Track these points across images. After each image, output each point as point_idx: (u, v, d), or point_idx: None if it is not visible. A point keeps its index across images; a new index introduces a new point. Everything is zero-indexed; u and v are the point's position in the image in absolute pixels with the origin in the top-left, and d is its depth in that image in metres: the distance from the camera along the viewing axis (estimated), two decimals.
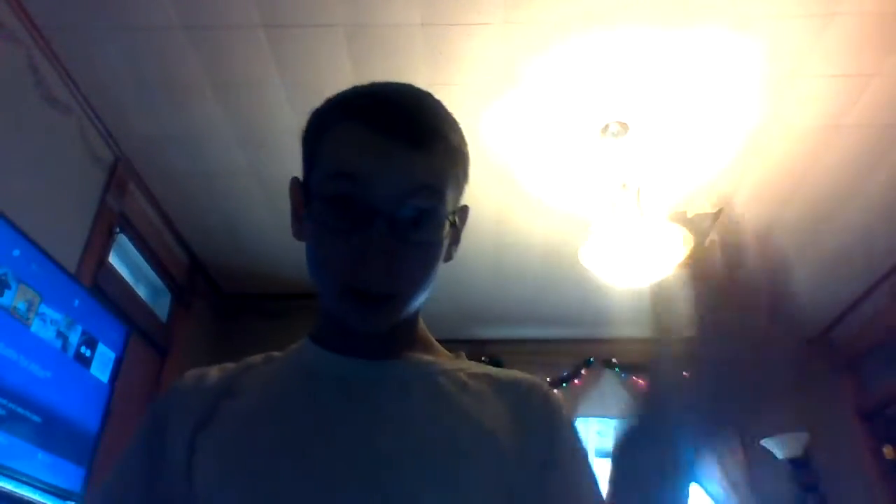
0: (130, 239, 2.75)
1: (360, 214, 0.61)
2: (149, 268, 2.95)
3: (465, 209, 0.73)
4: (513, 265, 3.27)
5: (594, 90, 2.26)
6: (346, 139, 0.64)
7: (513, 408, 0.68)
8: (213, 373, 0.73)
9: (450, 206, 0.67)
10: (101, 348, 2.37)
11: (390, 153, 0.62)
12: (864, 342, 3.59)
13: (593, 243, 2.39)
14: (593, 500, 0.67)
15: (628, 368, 3.87)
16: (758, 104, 2.31)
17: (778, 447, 3.45)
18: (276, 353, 0.77)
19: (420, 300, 0.68)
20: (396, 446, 0.61)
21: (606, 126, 2.39)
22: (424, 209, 0.64)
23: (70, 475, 2.18)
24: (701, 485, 3.58)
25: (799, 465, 3.42)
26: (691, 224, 2.82)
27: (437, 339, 0.79)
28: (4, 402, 1.87)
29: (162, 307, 3.07)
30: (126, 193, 2.63)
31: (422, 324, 0.77)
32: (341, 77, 2.20)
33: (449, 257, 0.72)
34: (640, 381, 3.86)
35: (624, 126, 2.38)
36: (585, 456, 0.70)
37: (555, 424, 0.69)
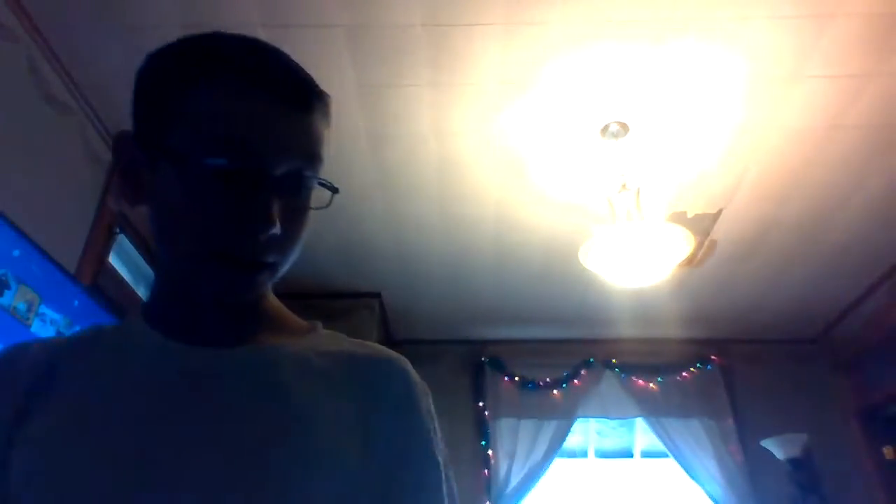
0: (130, 239, 2.75)
1: (245, 180, 0.58)
2: (148, 268, 2.94)
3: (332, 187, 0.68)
4: (513, 265, 3.27)
5: (594, 91, 2.26)
6: (226, 98, 0.59)
7: (364, 393, 0.63)
8: (35, 351, 0.66)
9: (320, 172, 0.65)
10: None
11: (278, 118, 0.60)
12: (864, 342, 3.59)
13: (593, 243, 2.39)
14: None
15: (628, 369, 3.88)
16: (757, 105, 2.31)
17: (778, 447, 3.46)
18: (105, 327, 0.70)
19: (284, 271, 0.66)
20: (236, 441, 0.57)
21: (606, 126, 2.39)
22: (309, 177, 0.62)
23: None
24: (701, 484, 3.58)
25: (799, 465, 3.43)
26: (691, 224, 2.83)
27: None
28: None
29: None
30: None
31: (271, 297, 0.72)
32: (342, 77, 2.20)
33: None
34: (640, 381, 3.87)
35: (624, 126, 2.38)
36: (437, 462, 0.64)
37: (411, 417, 0.64)
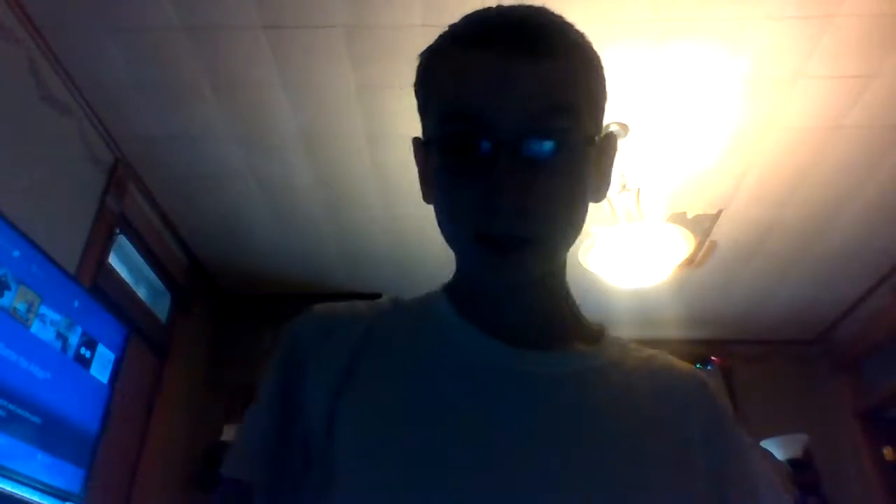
0: (130, 240, 2.75)
1: (483, 152, 0.53)
2: (148, 269, 2.94)
3: (611, 136, 0.63)
4: None
5: None
6: (455, 70, 0.56)
7: (676, 419, 0.60)
8: (345, 317, 0.64)
9: (589, 129, 0.57)
10: (101, 349, 2.37)
11: (507, 72, 0.53)
12: (865, 343, 3.59)
13: (593, 244, 2.39)
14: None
15: None
16: (757, 105, 2.31)
17: (778, 448, 3.45)
18: (403, 300, 0.67)
19: (565, 246, 0.59)
20: (563, 458, 0.54)
21: (606, 127, 2.39)
22: (556, 130, 0.54)
23: (69, 476, 2.17)
24: None
25: (799, 466, 3.42)
26: (691, 225, 2.83)
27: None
28: (4, 403, 1.87)
29: (162, 308, 3.07)
30: (126, 194, 2.63)
31: (570, 299, 0.66)
32: (341, 78, 2.20)
33: (599, 196, 0.62)
34: None
35: (624, 127, 2.38)
36: (759, 458, 0.64)
37: (731, 433, 0.62)
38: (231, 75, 2.23)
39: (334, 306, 0.66)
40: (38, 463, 2.02)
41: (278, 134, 2.47)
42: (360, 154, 2.55)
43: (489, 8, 0.59)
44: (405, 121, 2.35)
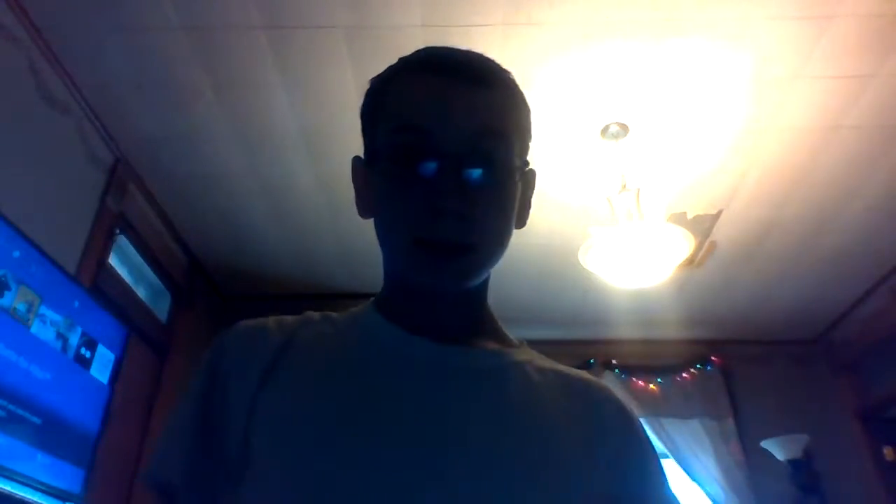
0: (130, 240, 2.75)
1: (427, 162, 0.59)
2: (148, 269, 2.94)
3: (532, 172, 0.69)
4: (513, 266, 3.26)
5: (594, 91, 2.26)
6: (405, 91, 0.63)
7: (587, 414, 0.64)
8: (271, 325, 0.67)
9: (517, 155, 0.63)
10: (101, 349, 2.37)
11: (451, 95, 0.60)
12: (864, 343, 3.59)
13: (593, 244, 2.39)
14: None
15: (628, 370, 3.87)
16: (757, 106, 2.31)
17: (778, 448, 3.45)
18: (333, 314, 0.70)
19: (495, 258, 0.64)
20: (485, 442, 0.57)
21: (606, 127, 2.39)
22: (491, 150, 0.60)
23: (69, 476, 2.18)
24: (701, 485, 3.58)
25: (799, 466, 3.42)
26: (691, 225, 2.83)
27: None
28: (4, 403, 1.87)
29: (161, 308, 3.07)
30: (126, 194, 2.63)
31: (488, 308, 0.72)
32: (341, 78, 2.20)
33: (521, 223, 0.69)
34: (640, 382, 3.87)
35: (624, 127, 2.38)
36: (661, 466, 0.67)
37: (632, 438, 0.66)
38: (231, 75, 2.23)
39: (261, 320, 0.69)
40: (38, 463, 2.02)
41: (278, 134, 2.47)
42: (359, 154, 2.54)
43: (438, 46, 0.66)
44: None
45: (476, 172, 0.59)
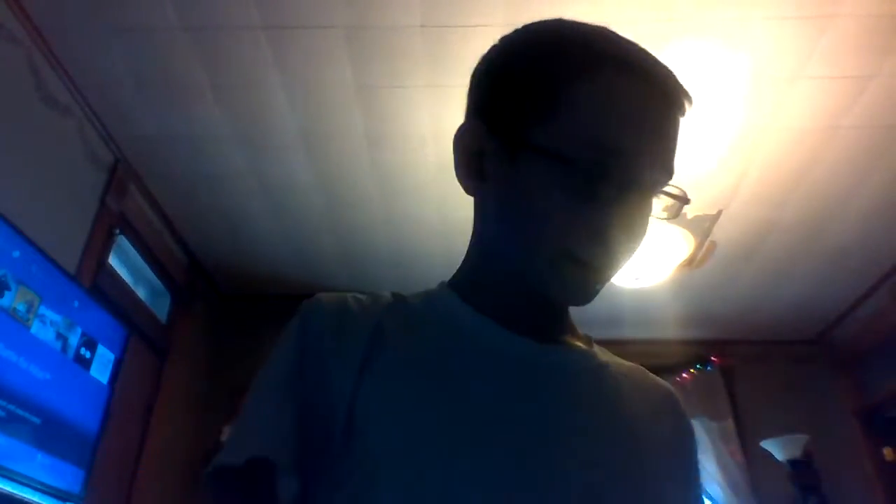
0: (130, 240, 2.75)
1: (614, 185, 0.55)
2: (148, 269, 2.94)
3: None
4: None
5: None
6: (605, 96, 0.56)
7: (667, 418, 0.67)
8: (354, 306, 0.64)
9: None
10: (101, 350, 2.37)
11: (652, 116, 0.57)
12: (864, 343, 3.59)
13: None
14: None
15: None
16: (756, 106, 2.31)
17: (778, 448, 3.45)
18: (403, 295, 0.67)
19: None
20: (594, 447, 0.58)
21: None
22: (661, 186, 0.59)
23: (69, 477, 2.18)
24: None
25: (799, 466, 3.42)
26: (691, 225, 2.83)
27: None
28: (4, 403, 1.87)
29: (161, 308, 3.07)
30: (126, 194, 2.63)
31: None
32: (341, 78, 2.20)
33: None
34: None
35: None
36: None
37: (694, 446, 0.69)
38: (231, 75, 2.23)
39: (338, 295, 0.66)
40: (38, 463, 2.02)
41: (278, 134, 2.47)
42: (359, 154, 2.55)
43: (635, 45, 0.62)
44: (405, 121, 2.36)
45: (646, 207, 0.59)
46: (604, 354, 0.69)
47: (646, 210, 0.59)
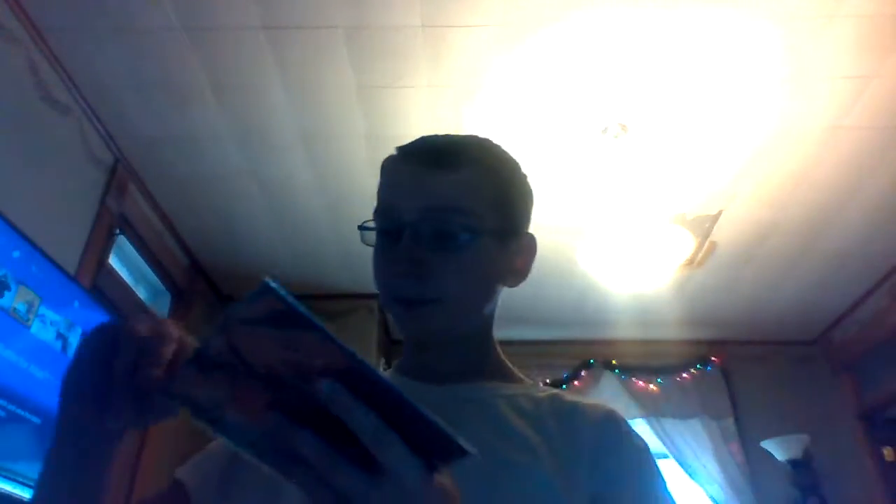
0: (130, 240, 2.75)
1: (394, 233, 0.70)
2: (148, 269, 2.94)
3: (526, 237, 0.77)
4: None
5: (594, 92, 2.26)
6: (387, 178, 0.75)
7: (574, 430, 0.69)
8: None
9: (487, 224, 0.71)
10: None
11: (415, 179, 0.71)
12: (864, 343, 3.59)
13: (592, 245, 2.39)
14: None
15: (628, 370, 3.87)
16: (757, 106, 2.31)
17: (778, 449, 3.45)
18: None
19: (466, 309, 0.72)
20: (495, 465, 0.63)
21: (606, 128, 2.39)
22: (445, 221, 0.69)
23: None
24: (701, 485, 3.58)
25: (799, 466, 3.43)
26: (691, 225, 2.83)
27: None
28: (4, 403, 1.87)
29: (161, 308, 3.07)
30: (126, 195, 2.63)
31: (499, 355, 0.80)
32: (341, 78, 2.20)
33: (512, 281, 0.76)
34: (640, 382, 3.87)
35: (623, 128, 2.38)
36: (657, 479, 0.69)
37: (610, 439, 0.70)
38: (231, 76, 2.23)
39: None
40: (38, 463, 2.02)
41: (278, 134, 2.47)
42: (359, 154, 2.55)
43: (433, 136, 0.76)
44: (405, 121, 2.36)
45: (435, 241, 0.69)
46: (535, 388, 0.77)
47: (441, 243, 0.69)
